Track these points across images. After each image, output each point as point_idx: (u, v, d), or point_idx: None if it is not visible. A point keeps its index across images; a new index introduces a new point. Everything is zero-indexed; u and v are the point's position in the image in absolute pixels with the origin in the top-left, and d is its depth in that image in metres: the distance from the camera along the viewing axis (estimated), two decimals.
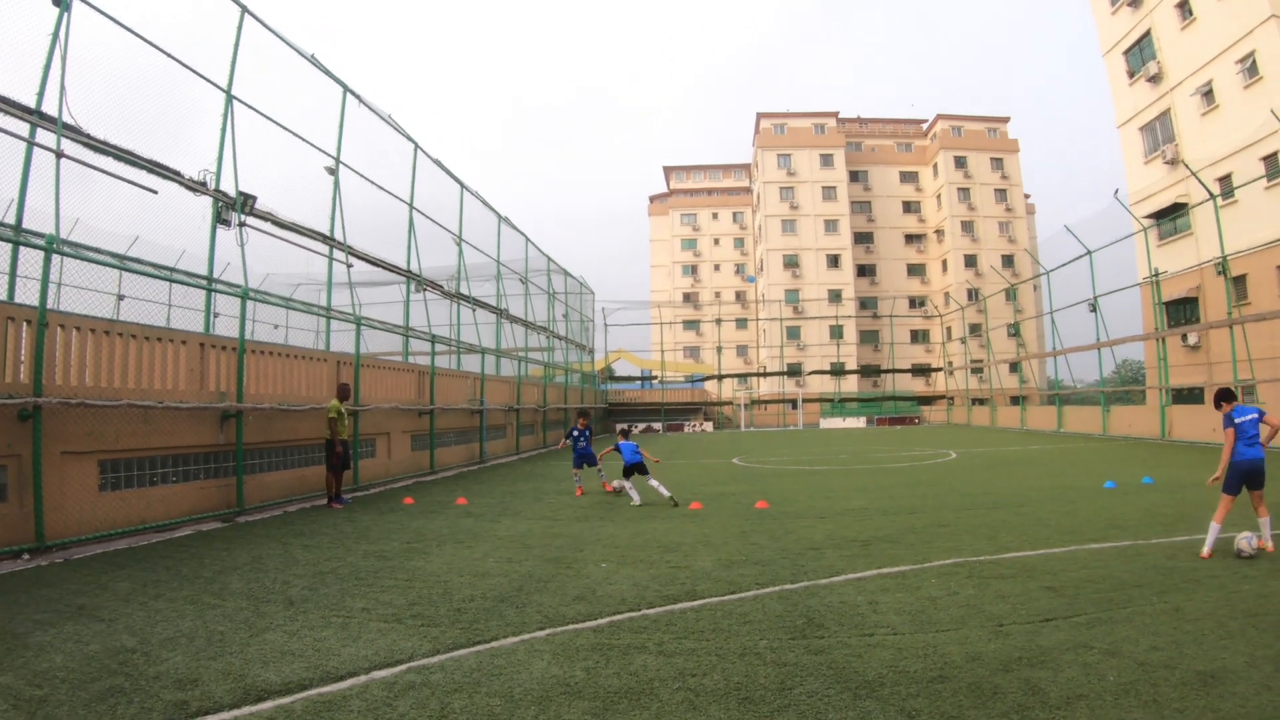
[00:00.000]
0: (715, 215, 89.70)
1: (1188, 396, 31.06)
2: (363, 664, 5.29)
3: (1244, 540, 7.98)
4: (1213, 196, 27.39)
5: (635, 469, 14.12)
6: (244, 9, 15.16)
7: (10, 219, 11.59)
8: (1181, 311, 32.89)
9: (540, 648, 5.65)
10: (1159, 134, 35.07)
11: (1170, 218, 33.76)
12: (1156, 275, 31.74)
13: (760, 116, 78.21)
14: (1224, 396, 8.70)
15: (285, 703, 4.60)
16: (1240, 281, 28.53)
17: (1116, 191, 32.02)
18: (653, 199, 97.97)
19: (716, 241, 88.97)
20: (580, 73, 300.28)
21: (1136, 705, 4.27)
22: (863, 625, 6.00)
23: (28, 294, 10.90)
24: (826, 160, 75.70)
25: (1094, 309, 34.25)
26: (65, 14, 11.78)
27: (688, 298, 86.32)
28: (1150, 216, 34.23)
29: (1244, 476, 8.23)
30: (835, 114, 78.02)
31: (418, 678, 5.02)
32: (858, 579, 7.61)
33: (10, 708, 4.54)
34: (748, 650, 5.47)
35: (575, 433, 16.39)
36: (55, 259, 10.67)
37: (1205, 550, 8.04)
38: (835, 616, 6.27)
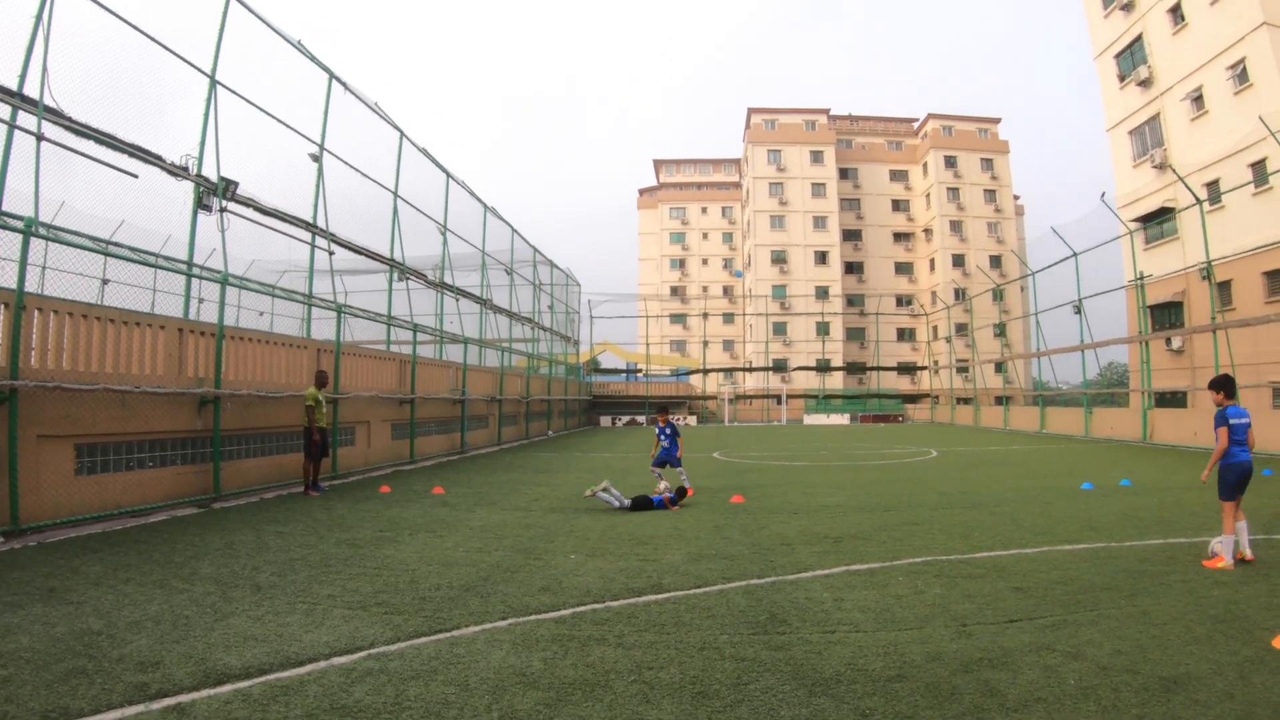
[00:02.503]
0: (704, 209, 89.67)
1: (1170, 400, 31.35)
2: (323, 650, 5.34)
3: (1217, 544, 7.91)
4: (1199, 202, 27.58)
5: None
6: None
7: None
8: (1166, 315, 33.17)
9: (500, 637, 5.69)
10: (1148, 138, 35.35)
11: (1157, 222, 34.05)
12: (1142, 279, 31.96)
13: (751, 112, 78.15)
14: (1225, 386, 8.31)
15: (244, 686, 4.66)
16: (1225, 287, 28.80)
17: (1104, 194, 32.15)
18: (642, 192, 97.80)
19: (705, 236, 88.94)
20: (569, 67, 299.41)
21: (1095, 710, 4.26)
22: (825, 622, 6.02)
23: (5, 277, 10.90)
24: (816, 157, 75.77)
25: (1079, 311, 34.43)
26: None
27: (675, 291, 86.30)
28: (1137, 220, 34.53)
29: (1241, 480, 7.95)
30: (826, 111, 78.07)
31: (376, 664, 5.07)
32: (826, 575, 7.63)
33: None
34: (707, 645, 5.50)
35: (660, 432, 14.82)
36: (39, 243, 10.68)
37: (1229, 562, 7.70)
38: (799, 613, 6.30)
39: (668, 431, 14.60)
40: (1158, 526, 10.23)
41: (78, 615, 6.16)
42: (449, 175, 26.27)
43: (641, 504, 12.46)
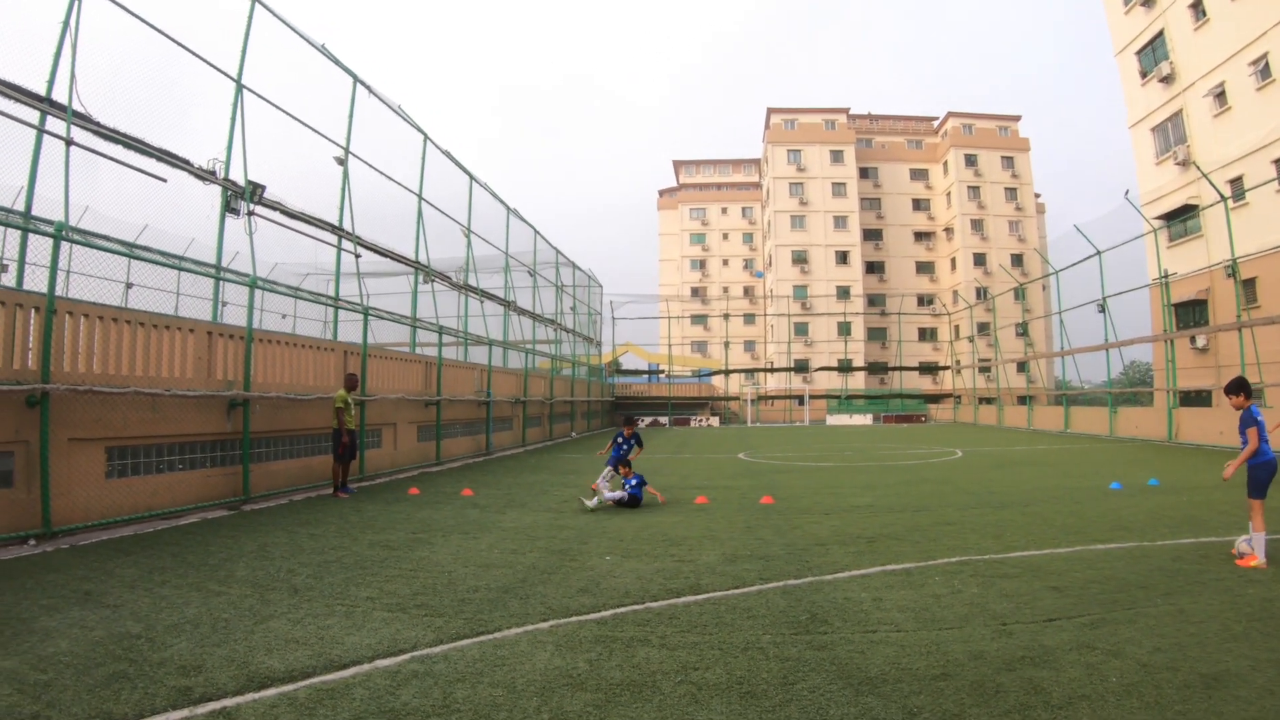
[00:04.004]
0: (724, 210, 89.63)
1: (1195, 399, 30.92)
2: (366, 652, 5.28)
3: (1244, 543, 7.85)
4: (1224, 199, 27.18)
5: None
6: None
7: (15, 207, 11.66)
8: (1191, 314, 32.75)
9: (543, 639, 5.63)
10: (1171, 135, 34.92)
11: (1181, 219, 33.60)
12: (1166, 277, 31.52)
13: (771, 112, 77.99)
14: (1243, 387, 8.27)
15: (289, 690, 4.60)
16: (1250, 284, 28.37)
17: (1127, 192, 31.80)
18: (662, 193, 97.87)
19: (725, 236, 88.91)
20: (587, 65, 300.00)
21: (1139, 707, 4.25)
22: (866, 622, 5.97)
23: (36, 281, 10.92)
24: (837, 156, 75.53)
25: (1103, 310, 34.05)
26: (75, 2, 11.79)
27: (696, 292, 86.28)
28: (1161, 218, 34.11)
29: (1271, 477, 7.92)
30: (846, 110, 77.83)
31: (421, 667, 5.01)
32: (862, 575, 7.58)
33: (15, 692, 4.55)
34: (750, 645, 5.45)
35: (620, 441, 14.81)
36: (64, 247, 10.69)
37: (1262, 560, 7.63)
38: (839, 612, 6.24)
39: (629, 443, 14.71)
40: (1189, 525, 10.14)
41: (115, 618, 6.11)
42: (472, 177, 26.27)
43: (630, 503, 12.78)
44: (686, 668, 5.00)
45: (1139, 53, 36.72)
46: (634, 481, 13.09)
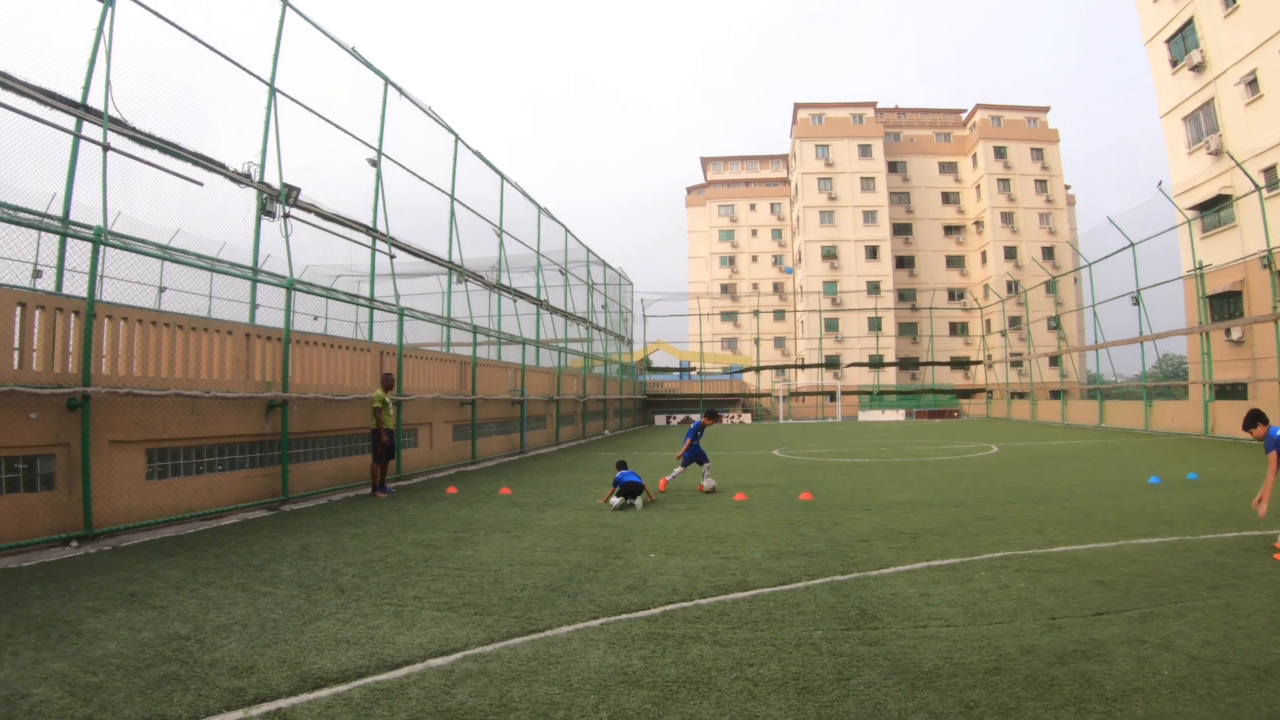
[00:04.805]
0: (753, 206, 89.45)
1: (1231, 392, 30.34)
2: (418, 652, 5.23)
3: None
4: (1258, 188, 26.71)
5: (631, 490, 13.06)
6: (285, 2, 15.22)
7: (48, 212, 11.74)
8: (1225, 305, 32.12)
9: (595, 637, 5.58)
10: (1202, 124, 34.31)
11: (1214, 210, 33.02)
12: (1201, 268, 31.00)
13: (798, 107, 77.68)
14: (1259, 417, 8.36)
15: (343, 690, 4.55)
16: None
17: (1160, 184, 31.34)
18: (690, 190, 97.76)
19: (754, 233, 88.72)
20: (610, 65, 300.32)
21: (1192, 699, 4.25)
22: (916, 617, 5.95)
23: (72, 286, 10.97)
24: (865, 151, 75.12)
25: (1137, 302, 33.53)
26: (109, 9, 11.86)
27: (725, 289, 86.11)
28: (1194, 208, 33.53)
29: None
30: (873, 104, 77.31)
31: (474, 666, 4.96)
32: (908, 571, 7.54)
33: (66, 694, 4.51)
34: (803, 641, 5.42)
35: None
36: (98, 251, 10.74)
37: None
38: (888, 608, 6.22)
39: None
40: (1230, 520, 10.02)
41: (163, 620, 6.08)
42: (503, 177, 26.30)
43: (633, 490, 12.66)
44: (741, 664, 4.96)
45: (1169, 41, 36.10)
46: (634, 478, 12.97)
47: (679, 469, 14.69)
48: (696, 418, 16.22)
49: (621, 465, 13.86)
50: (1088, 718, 4.06)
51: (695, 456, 14.54)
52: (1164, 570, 7.26)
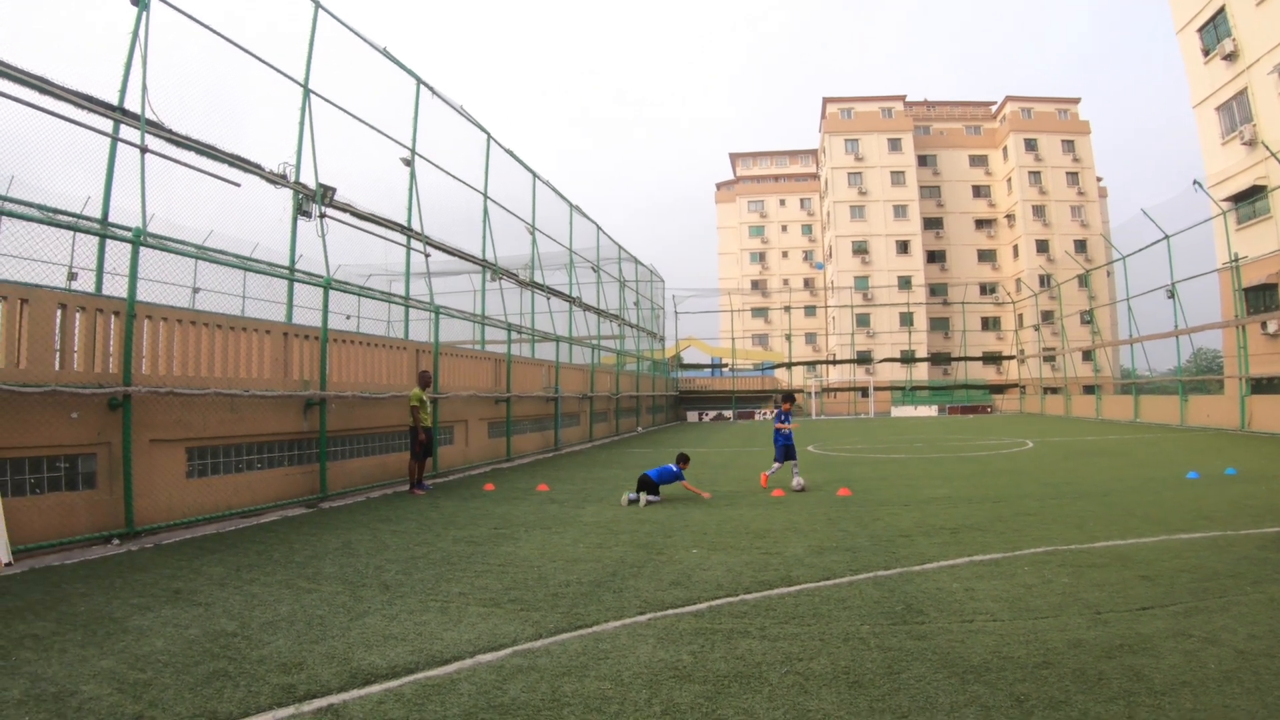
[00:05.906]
0: (783, 202, 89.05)
1: (1268, 386, 29.73)
2: (467, 648, 5.20)
3: None
4: None
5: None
6: (317, 4, 15.28)
7: (85, 213, 11.83)
8: (1261, 298, 31.45)
9: (643, 632, 5.54)
10: (1236, 114, 33.55)
11: (1249, 200, 32.27)
12: (1236, 260, 30.35)
13: (827, 101, 77.15)
14: None
15: (393, 686, 4.52)
16: None
17: (1195, 182, 30.79)
18: (719, 186, 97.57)
19: (784, 228, 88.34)
20: (640, 63, 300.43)
21: (1240, 692, 4.22)
22: (962, 612, 5.92)
23: (112, 287, 11.05)
24: (894, 145, 74.48)
25: (1172, 295, 32.99)
26: (144, 13, 11.94)
27: (756, 285, 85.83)
28: (1228, 199, 32.83)
29: None
30: (902, 97, 76.62)
31: (524, 661, 4.92)
32: (951, 566, 7.51)
33: (115, 691, 4.50)
34: (851, 635, 5.40)
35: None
36: (124, 251, 10.79)
37: None
38: (933, 603, 6.19)
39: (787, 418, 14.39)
40: (1271, 514, 9.88)
41: (209, 617, 6.08)
42: (535, 175, 26.33)
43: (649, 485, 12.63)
44: (790, 658, 4.94)
45: (1200, 30, 35.34)
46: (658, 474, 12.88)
47: (776, 464, 14.34)
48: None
49: (682, 459, 13.56)
50: (1138, 711, 4.03)
51: (786, 453, 14.10)
52: (1207, 565, 7.19)
